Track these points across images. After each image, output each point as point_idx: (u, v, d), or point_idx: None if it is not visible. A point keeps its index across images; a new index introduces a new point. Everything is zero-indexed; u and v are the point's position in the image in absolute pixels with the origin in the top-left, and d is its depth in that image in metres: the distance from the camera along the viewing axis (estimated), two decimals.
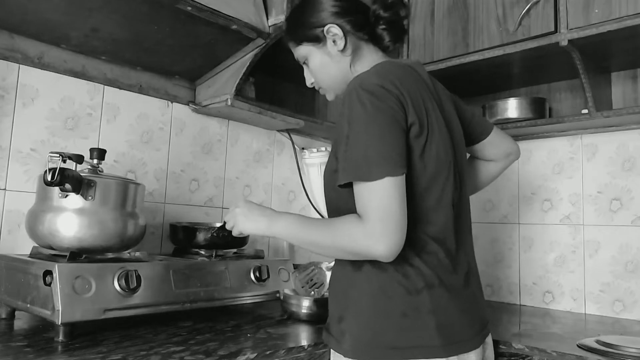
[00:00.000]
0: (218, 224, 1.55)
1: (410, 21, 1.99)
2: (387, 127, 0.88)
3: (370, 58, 1.08)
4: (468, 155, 1.27)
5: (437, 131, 0.97)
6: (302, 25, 1.11)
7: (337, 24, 1.06)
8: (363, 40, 1.09)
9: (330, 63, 1.10)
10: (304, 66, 1.17)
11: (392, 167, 0.86)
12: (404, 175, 0.88)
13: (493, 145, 1.27)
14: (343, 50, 1.07)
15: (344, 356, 0.94)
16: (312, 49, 1.10)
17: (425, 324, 0.90)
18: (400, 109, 0.90)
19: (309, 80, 1.18)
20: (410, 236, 0.91)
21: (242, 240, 1.54)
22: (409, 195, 0.91)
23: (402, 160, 0.88)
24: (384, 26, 1.07)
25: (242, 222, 1.06)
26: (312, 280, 1.44)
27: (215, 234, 1.39)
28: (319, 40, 1.08)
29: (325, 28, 1.07)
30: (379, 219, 0.84)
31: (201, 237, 1.46)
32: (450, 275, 0.96)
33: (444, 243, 0.96)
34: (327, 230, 0.93)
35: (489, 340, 1.08)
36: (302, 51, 1.13)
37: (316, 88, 1.19)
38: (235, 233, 1.10)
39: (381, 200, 0.85)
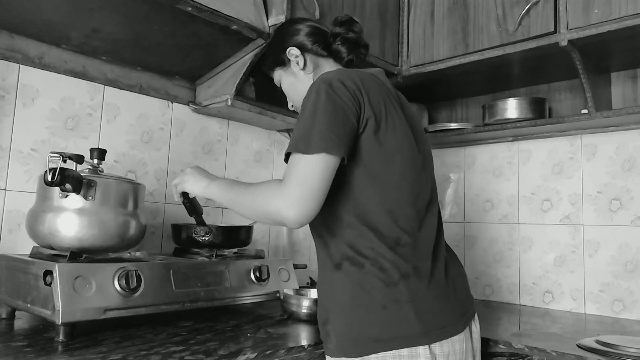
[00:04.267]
0: (218, 224, 1.54)
1: (410, 22, 1.99)
2: (333, 114, 0.94)
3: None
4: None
5: (400, 128, 1.01)
6: (271, 53, 1.26)
7: (296, 45, 1.18)
8: (322, 56, 1.19)
9: (296, 82, 1.21)
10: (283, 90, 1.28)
11: (329, 145, 0.91)
12: (339, 159, 0.93)
13: None
14: (304, 69, 1.19)
15: (331, 356, 0.97)
16: (281, 72, 1.24)
17: (405, 313, 0.92)
18: (353, 103, 0.96)
19: (289, 104, 1.29)
20: (385, 231, 0.96)
21: (245, 240, 1.54)
22: (379, 190, 0.97)
23: (341, 145, 0.92)
24: (339, 42, 1.18)
25: (187, 181, 1.17)
26: None
27: (195, 232, 1.40)
28: (284, 63, 1.21)
29: (287, 51, 1.19)
30: (298, 184, 0.90)
31: (194, 236, 1.45)
32: (427, 264, 0.99)
33: (418, 234, 0.99)
34: (250, 190, 1.00)
35: (475, 330, 1.10)
36: (276, 76, 1.26)
37: (294, 109, 1.27)
38: (178, 191, 1.20)
39: (307, 170, 0.90)
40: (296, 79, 1.20)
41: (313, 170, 0.90)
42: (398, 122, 1.02)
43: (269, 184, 0.96)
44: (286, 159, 0.97)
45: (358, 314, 0.94)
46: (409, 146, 1.03)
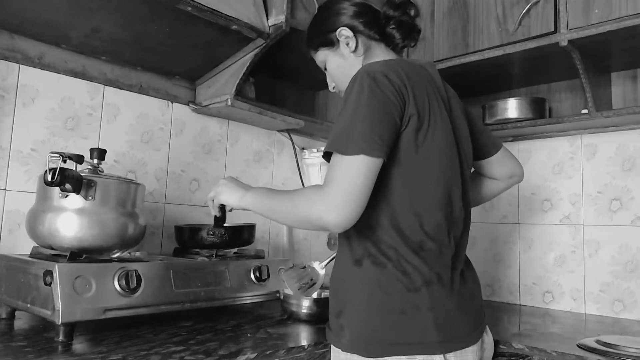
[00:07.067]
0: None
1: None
2: (376, 112, 0.90)
3: (382, 57, 1.10)
4: (472, 169, 1.26)
5: (441, 129, 0.98)
6: (317, 32, 1.18)
7: (348, 26, 1.11)
8: (374, 40, 1.13)
9: (344, 64, 1.14)
10: (325, 72, 1.22)
11: (370, 147, 0.88)
12: (381, 160, 0.89)
13: (499, 164, 1.26)
14: (355, 51, 1.12)
15: (342, 350, 0.95)
16: (328, 53, 1.16)
17: (423, 320, 0.91)
18: (398, 100, 0.92)
19: (331, 85, 1.23)
20: (410, 234, 0.94)
21: (248, 239, 1.54)
22: (410, 192, 0.94)
23: (383, 146, 0.89)
24: (393, 25, 1.11)
25: (222, 193, 1.14)
26: (304, 278, 1.36)
27: (211, 232, 1.40)
28: (332, 44, 1.14)
29: (337, 31, 1.12)
30: (340, 188, 0.87)
31: (207, 237, 1.46)
32: (448, 272, 0.97)
33: (442, 241, 0.97)
34: (289, 196, 0.97)
35: (488, 340, 1.09)
36: (320, 57, 1.19)
37: (337, 91, 1.23)
38: (215, 204, 1.17)
39: (348, 173, 0.87)
40: (345, 62, 1.14)
41: (354, 173, 0.87)
42: (440, 122, 0.98)
43: (308, 190, 0.94)
44: (325, 157, 0.94)
45: (375, 315, 0.93)
46: (448, 148, 0.99)
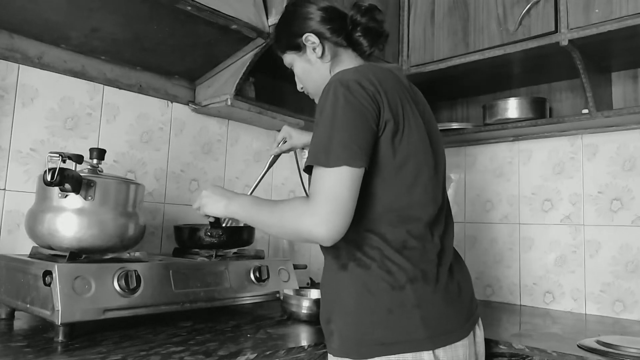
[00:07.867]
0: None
1: (410, 21, 1.99)
2: (353, 121, 0.90)
3: (349, 63, 1.11)
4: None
5: (415, 131, 0.99)
6: (284, 35, 1.17)
7: (314, 33, 1.11)
8: (342, 46, 1.13)
9: (311, 69, 1.15)
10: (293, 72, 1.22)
11: (352, 157, 0.88)
12: (363, 170, 0.90)
13: None
14: (322, 57, 1.12)
15: (334, 355, 0.96)
16: (294, 56, 1.16)
17: (410, 318, 0.91)
18: (373, 107, 0.93)
19: (299, 85, 1.24)
20: (392, 235, 0.95)
21: (248, 239, 1.54)
22: (389, 194, 0.95)
23: (363, 155, 0.90)
24: (360, 32, 1.11)
25: (206, 205, 1.13)
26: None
27: (209, 233, 1.40)
28: (299, 48, 1.14)
29: (304, 37, 1.12)
30: (327, 201, 0.87)
31: (205, 237, 1.45)
32: (434, 268, 0.97)
33: (425, 239, 0.98)
34: (276, 208, 0.97)
35: (479, 334, 1.09)
36: (287, 59, 1.19)
37: (305, 92, 1.24)
38: (201, 215, 1.17)
39: (333, 185, 0.87)
40: (311, 67, 1.14)
41: (339, 185, 0.87)
42: (414, 124, 0.99)
43: (295, 202, 0.93)
44: (307, 170, 0.94)
45: (363, 316, 0.93)
46: (424, 149, 1.00)
